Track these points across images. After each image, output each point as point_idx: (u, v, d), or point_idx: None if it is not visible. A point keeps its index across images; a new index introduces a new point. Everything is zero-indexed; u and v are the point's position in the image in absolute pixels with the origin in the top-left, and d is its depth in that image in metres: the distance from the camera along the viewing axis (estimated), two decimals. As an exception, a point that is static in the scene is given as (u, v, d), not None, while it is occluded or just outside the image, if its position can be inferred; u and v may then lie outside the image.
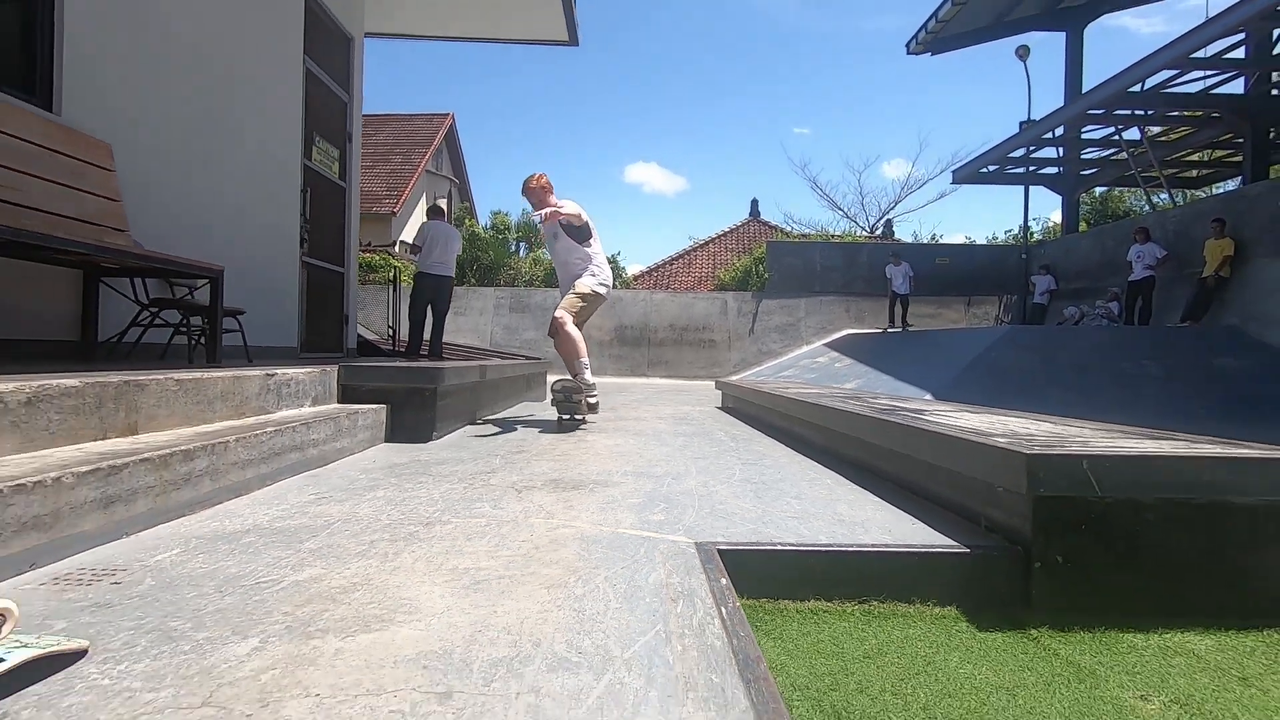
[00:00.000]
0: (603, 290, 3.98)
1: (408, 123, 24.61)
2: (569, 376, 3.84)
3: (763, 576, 1.49)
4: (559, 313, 3.79)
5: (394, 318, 8.84)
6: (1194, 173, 13.92)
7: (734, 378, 10.28)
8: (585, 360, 3.82)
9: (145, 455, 1.58)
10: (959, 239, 26.58)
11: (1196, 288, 9.74)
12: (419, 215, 21.21)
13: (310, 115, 5.28)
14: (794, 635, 1.35)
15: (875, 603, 1.50)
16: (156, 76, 3.62)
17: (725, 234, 24.00)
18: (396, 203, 19.71)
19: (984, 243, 20.93)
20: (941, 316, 14.83)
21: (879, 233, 24.82)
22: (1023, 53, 13.34)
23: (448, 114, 25.45)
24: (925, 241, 20.94)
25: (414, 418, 3.15)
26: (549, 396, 4.09)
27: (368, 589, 1.20)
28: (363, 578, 1.26)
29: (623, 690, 0.87)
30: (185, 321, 3.27)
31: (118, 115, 3.34)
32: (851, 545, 1.56)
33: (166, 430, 2.01)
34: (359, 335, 6.87)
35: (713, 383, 8.34)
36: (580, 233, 3.90)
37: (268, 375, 2.57)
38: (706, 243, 23.76)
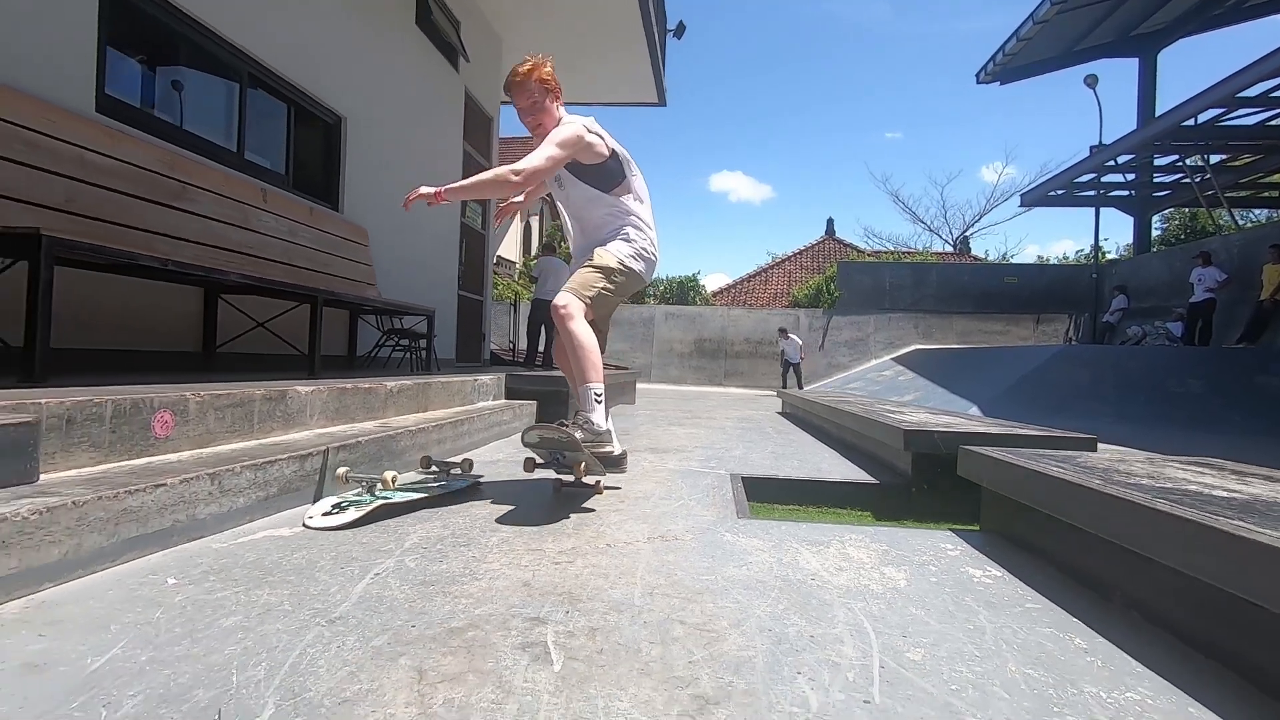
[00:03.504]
0: (638, 265, 2.33)
1: (504, 145, 27.02)
2: (551, 425, 2.11)
3: (762, 491, 2.86)
4: (563, 298, 2.19)
5: (514, 333, 10.62)
6: (1275, 193, 13.91)
7: (800, 392, 11.45)
8: (597, 384, 2.18)
9: (443, 421, 3.12)
10: (1038, 254, 26.30)
11: (1254, 310, 10.14)
12: (514, 233, 23.40)
13: (464, 183, 7.03)
14: (768, 510, 2.71)
15: (822, 508, 2.84)
16: (385, 178, 5.34)
17: (801, 251, 24.98)
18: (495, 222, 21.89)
19: (1056, 261, 20.98)
20: (1010, 334, 15.38)
21: (958, 248, 25.07)
22: (1091, 81, 13.83)
23: (541, 138, 27.56)
24: (995, 260, 21.20)
25: (553, 409, 4.67)
26: (526, 436, 2.17)
27: (575, 487, 2.66)
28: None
29: (687, 507, 2.27)
30: (410, 345, 4.92)
31: (368, 208, 5.06)
32: (811, 478, 2.91)
33: (434, 410, 3.57)
34: (490, 348, 8.60)
35: (778, 393, 9.58)
36: (603, 173, 2.31)
37: (474, 380, 4.14)
38: (783, 260, 24.82)
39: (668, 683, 1.01)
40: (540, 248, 7.41)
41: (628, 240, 2.33)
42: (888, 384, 13.02)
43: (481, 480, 2.51)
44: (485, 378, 4.38)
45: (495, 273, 16.90)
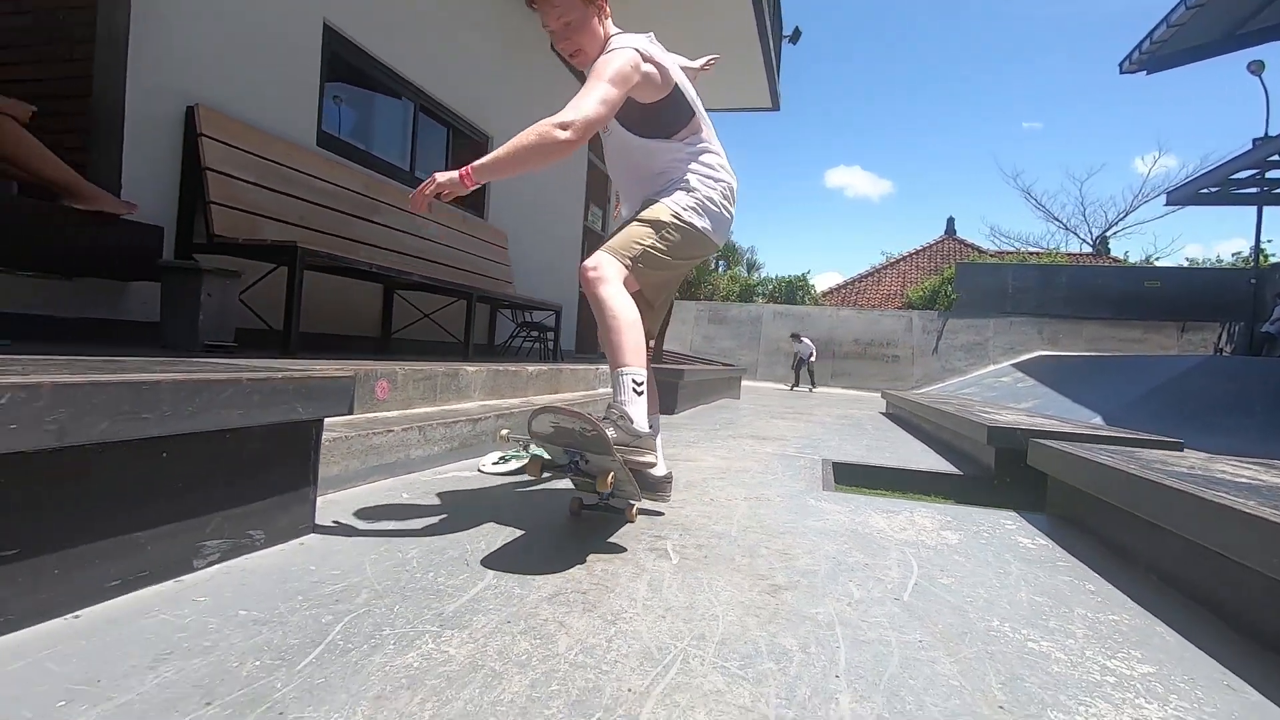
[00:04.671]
0: (701, 221, 1.82)
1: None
2: (572, 410, 1.48)
3: (850, 476, 3.19)
4: (594, 258, 1.70)
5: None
6: None
7: (905, 391, 11.33)
8: (635, 369, 1.64)
9: (571, 401, 3.66)
10: (1197, 256, 23.93)
11: None
12: (628, 232, 24.26)
13: (587, 189, 7.65)
14: (853, 490, 3.04)
15: (905, 493, 3.13)
16: (521, 188, 6.02)
17: (918, 252, 24.15)
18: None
19: (1207, 265, 19.07)
20: (1148, 342, 14.32)
21: (1096, 248, 23.33)
22: (1256, 68, 12.60)
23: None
24: (1136, 263, 19.58)
25: (664, 399, 5.14)
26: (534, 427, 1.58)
27: (687, 461, 3.11)
28: (680, 457, 3.18)
29: (780, 480, 2.66)
30: (540, 336, 5.57)
31: (507, 216, 5.76)
32: (898, 466, 3.21)
33: (563, 393, 4.14)
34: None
35: (882, 394, 9.59)
36: (664, 115, 1.81)
37: (595, 368, 4.69)
38: (897, 260, 24.10)
39: (752, 576, 1.43)
40: None
41: (688, 190, 1.81)
42: (1005, 390, 12.56)
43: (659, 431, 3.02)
44: (604, 367, 4.93)
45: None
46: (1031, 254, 21.24)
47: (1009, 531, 2.03)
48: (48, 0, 2.68)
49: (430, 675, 0.91)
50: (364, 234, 3.79)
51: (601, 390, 4.69)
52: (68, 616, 1.00)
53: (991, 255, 21.79)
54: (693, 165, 1.86)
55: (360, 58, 4.12)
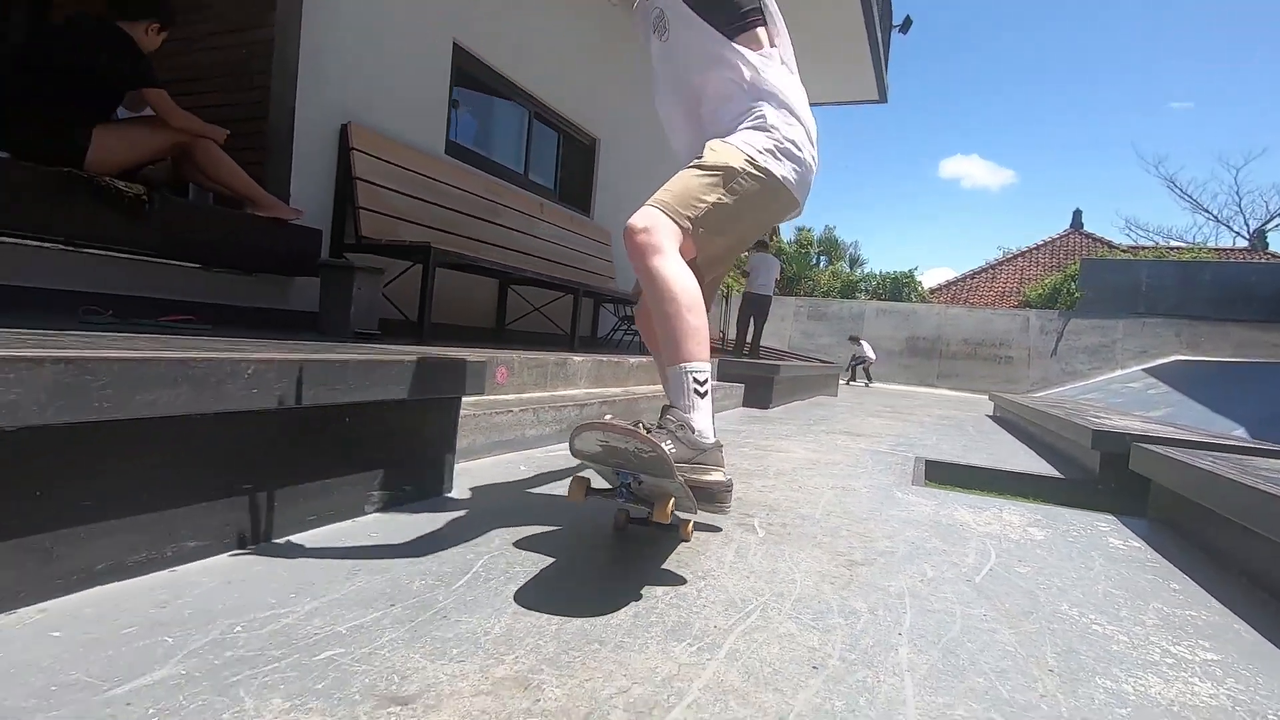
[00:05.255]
0: (781, 167, 1.49)
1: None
2: (624, 426, 1.17)
3: (942, 473, 3.21)
4: (643, 216, 1.40)
5: (724, 324, 11.37)
6: None
7: (1018, 395, 10.75)
8: (698, 364, 1.37)
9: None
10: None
11: None
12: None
13: (688, 187, 7.84)
14: (943, 488, 3.06)
15: (1000, 494, 3.11)
16: (625, 186, 6.29)
17: (1038, 247, 22.62)
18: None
19: None
20: (1309, 348, 12.82)
21: (1253, 242, 20.99)
22: None
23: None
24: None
25: (760, 394, 5.26)
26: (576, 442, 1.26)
27: (778, 453, 3.24)
28: (771, 448, 3.31)
29: (869, 473, 2.74)
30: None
31: (610, 213, 6.05)
32: (994, 467, 3.19)
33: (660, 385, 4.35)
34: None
35: (990, 396, 9.18)
36: (718, 4, 1.48)
37: (693, 362, 4.88)
38: (1015, 256, 22.70)
39: (832, 552, 1.57)
40: (753, 243, 8.09)
41: (764, 127, 1.45)
42: (1133, 396, 11.66)
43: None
44: (701, 361, 5.10)
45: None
46: (1171, 249, 19.41)
47: (1101, 533, 2.04)
48: (234, 39, 3.16)
49: (554, 602, 1.13)
50: (484, 234, 4.15)
51: (697, 383, 4.86)
52: (281, 540, 1.30)
53: (1123, 250, 20.08)
54: (766, 93, 1.47)
55: (483, 71, 4.48)
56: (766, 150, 1.48)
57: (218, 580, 1.09)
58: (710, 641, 1.03)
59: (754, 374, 5.32)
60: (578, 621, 1.07)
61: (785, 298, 17.43)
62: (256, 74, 3.09)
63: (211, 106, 3.10)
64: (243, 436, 1.22)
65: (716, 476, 1.37)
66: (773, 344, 15.95)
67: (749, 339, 9.17)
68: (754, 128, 1.50)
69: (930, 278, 23.71)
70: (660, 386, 4.29)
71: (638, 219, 1.39)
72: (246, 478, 1.23)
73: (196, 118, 2.54)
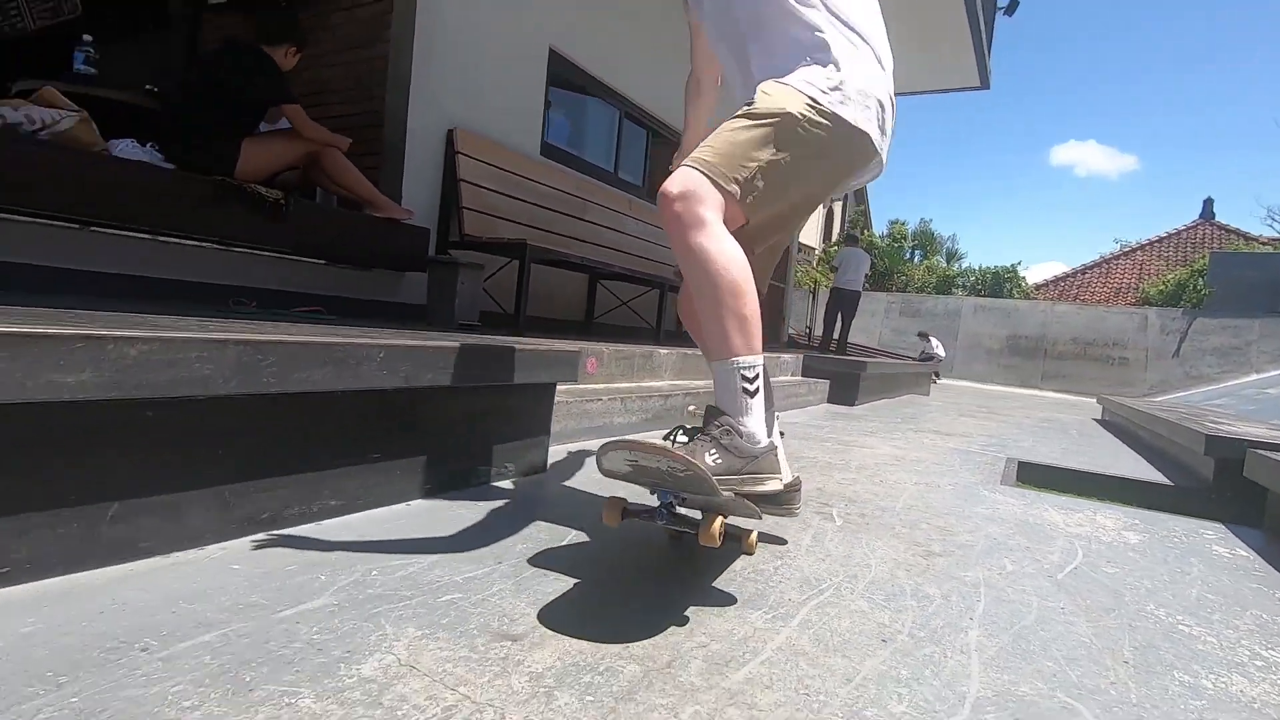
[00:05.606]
0: (850, 109, 1.20)
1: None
2: (655, 445, 1.00)
3: (1036, 476, 3.10)
4: (680, 187, 1.11)
5: (810, 319, 11.22)
6: None
7: (1133, 398, 10.00)
8: (748, 358, 1.15)
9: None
10: None
11: None
12: (816, 220, 23.61)
13: (775, 181, 7.79)
14: (1036, 490, 2.96)
15: (1104, 500, 2.98)
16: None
17: (1161, 239, 20.82)
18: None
19: None
20: None
21: None
22: None
23: (853, 123, 26.78)
24: None
25: (845, 390, 5.20)
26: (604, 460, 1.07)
27: (861, 448, 3.24)
28: (854, 444, 3.31)
29: (954, 471, 2.71)
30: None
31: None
32: (1095, 471, 3.06)
33: (746, 379, 4.40)
34: (788, 331, 9.35)
35: (1098, 399, 8.62)
36: None
37: (775, 357, 4.89)
38: (1133, 249, 21.00)
39: (909, 542, 1.61)
40: (842, 237, 7.83)
41: (827, 61, 1.21)
42: (1272, 403, 10.61)
43: (783, 433, 3.24)
44: (784, 356, 5.10)
45: (795, 261, 17.61)
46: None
47: (1205, 540, 1.95)
48: (354, 56, 3.46)
49: (639, 569, 1.25)
50: (576, 231, 4.33)
51: (781, 379, 4.87)
52: (405, 504, 1.48)
53: (1263, 243, 18.18)
54: (828, 17, 1.22)
55: (576, 74, 4.66)
56: (832, 89, 1.19)
57: (354, 534, 1.27)
58: (784, 612, 1.11)
59: (839, 370, 5.27)
60: (661, 586, 1.18)
61: (876, 293, 16.91)
62: (374, 87, 3.37)
63: (335, 117, 3.41)
64: (374, 412, 1.40)
65: (772, 486, 1.15)
66: (861, 340, 15.54)
67: (835, 335, 9.02)
68: (815, 63, 1.21)
69: (1036, 273, 22.31)
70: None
71: (672, 183, 1.10)
72: (376, 448, 1.41)
73: (325, 129, 2.82)
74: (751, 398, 1.15)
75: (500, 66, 3.91)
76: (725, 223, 1.14)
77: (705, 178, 1.12)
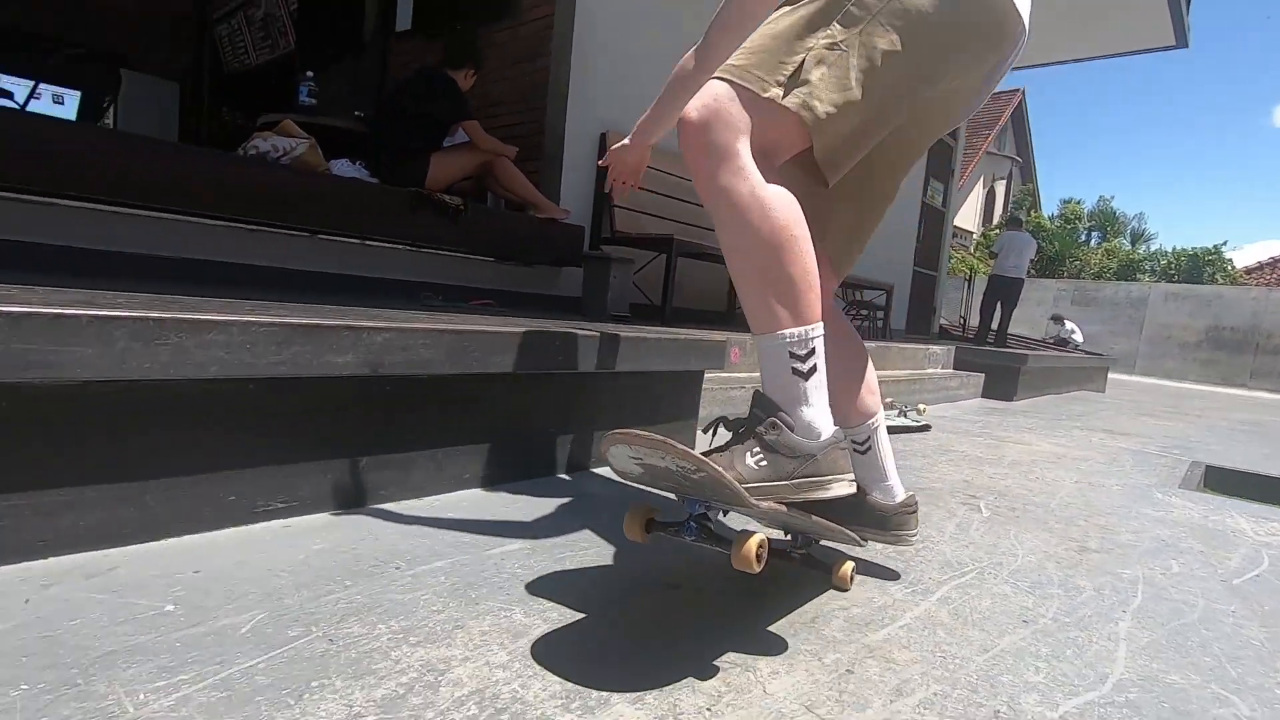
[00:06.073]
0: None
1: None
2: (667, 442, 0.78)
3: (1228, 484, 2.81)
4: (703, 111, 0.84)
5: (965, 309, 10.55)
6: None
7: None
8: (793, 329, 0.89)
9: (899, 379, 3.81)
10: None
11: None
12: (974, 201, 21.89)
13: (928, 165, 7.40)
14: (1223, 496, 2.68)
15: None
16: (855, 167, 6.20)
17: None
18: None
19: None
20: None
21: None
22: None
23: (1018, 90, 24.48)
24: None
25: (1002, 385, 4.91)
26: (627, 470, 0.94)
27: (1017, 444, 3.10)
28: (1009, 440, 3.16)
29: (1124, 472, 2.53)
30: (869, 314, 5.75)
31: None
32: (1304, 479, 2.72)
33: (888, 370, 4.30)
34: (940, 322, 8.88)
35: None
36: None
37: (925, 349, 4.72)
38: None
39: (1061, 537, 1.58)
40: (1004, 220, 7.20)
41: None
42: None
43: (930, 426, 3.17)
44: (935, 348, 4.90)
45: (950, 247, 16.50)
46: None
47: None
48: (518, 71, 3.80)
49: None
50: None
51: (930, 371, 4.70)
52: (574, 474, 1.69)
53: None
54: None
55: (720, 69, 4.75)
56: None
57: (540, 492, 1.49)
58: (923, 588, 1.18)
59: (996, 363, 4.98)
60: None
61: (1043, 280, 15.45)
62: (536, 98, 3.68)
63: (503, 127, 3.76)
64: (537, 397, 1.61)
65: (840, 490, 0.91)
66: (1022, 332, 14.30)
67: (994, 326, 8.43)
68: None
69: (1245, 255, 19.20)
70: (910, 370, 4.28)
71: (692, 106, 0.84)
72: (552, 425, 1.63)
73: (496, 139, 3.15)
74: (806, 380, 0.89)
75: (649, 71, 4.09)
76: (775, 149, 0.87)
77: (733, 87, 0.83)
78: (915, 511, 1.20)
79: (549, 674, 0.79)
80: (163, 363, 0.98)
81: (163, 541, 1.05)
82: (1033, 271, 16.37)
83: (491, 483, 1.51)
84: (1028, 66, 9.52)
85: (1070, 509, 1.86)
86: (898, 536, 1.19)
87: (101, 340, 0.92)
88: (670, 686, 0.79)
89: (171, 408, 1.04)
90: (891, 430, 2.86)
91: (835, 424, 0.96)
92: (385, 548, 1.11)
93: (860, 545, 1.13)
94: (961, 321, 10.59)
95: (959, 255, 15.81)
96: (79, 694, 0.67)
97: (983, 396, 4.94)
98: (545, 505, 1.43)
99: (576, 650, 0.84)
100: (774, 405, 0.91)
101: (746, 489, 0.83)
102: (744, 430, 0.93)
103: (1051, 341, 11.19)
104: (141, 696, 0.68)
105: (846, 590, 1.11)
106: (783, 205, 0.87)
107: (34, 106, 4.93)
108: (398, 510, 1.30)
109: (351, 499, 1.27)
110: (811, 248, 0.90)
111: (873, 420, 1.19)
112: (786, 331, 0.89)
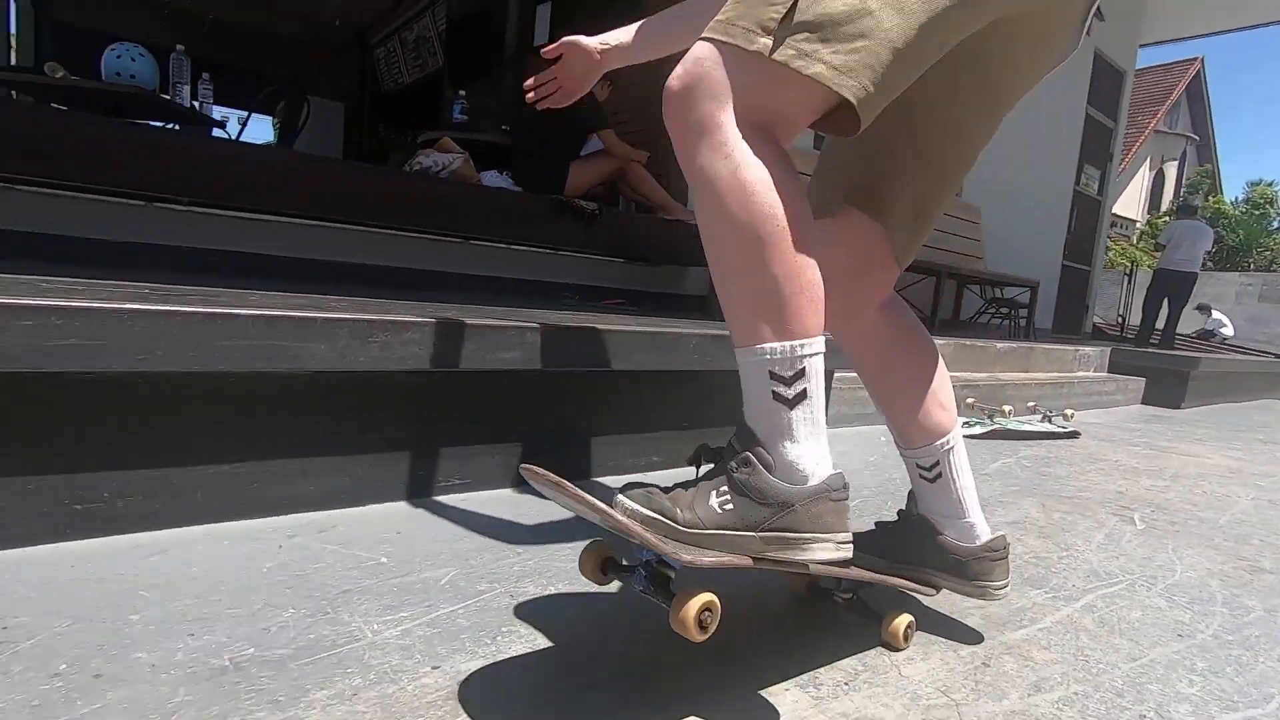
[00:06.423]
0: None
1: (1138, 75, 22.65)
2: (549, 475, 0.70)
3: None
4: (684, 80, 0.68)
5: (1125, 307, 9.61)
6: None
7: None
8: (782, 345, 0.69)
9: (1043, 381, 3.59)
10: None
11: None
12: (1138, 185, 19.67)
13: (1082, 149, 6.82)
14: None
15: None
16: (997, 158, 5.83)
17: None
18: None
19: None
20: None
21: None
22: None
23: (1194, 59, 21.73)
24: None
25: (1167, 390, 4.47)
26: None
27: (1182, 455, 2.84)
28: (1172, 450, 2.90)
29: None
30: (1010, 312, 5.42)
31: (980, 189, 5.70)
32: None
33: (1034, 372, 4.05)
34: (1094, 321, 8.15)
35: None
36: None
37: (1076, 350, 4.40)
38: None
39: (1230, 555, 1.48)
40: (1175, 207, 6.41)
41: None
42: None
43: (1078, 433, 2.97)
44: (1088, 349, 4.55)
45: (1108, 237, 15.00)
46: None
47: None
48: (643, 74, 3.93)
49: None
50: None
51: (1080, 375, 4.38)
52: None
53: None
54: None
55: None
56: None
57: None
58: (1067, 595, 1.17)
59: (1160, 366, 4.54)
60: (939, 557, 1.30)
61: (1222, 274, 13.69)
62: (660, 102, 3.80)
63: (632, 132, 3.92)
64: (693, 392, 1.72)
65: (819, 553, 0.71)
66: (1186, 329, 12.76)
67: (1159, 325, 7.62)
68: None
69: None
70: (1022, 375, 4.05)
71: (675, 73, 0.70)
72: (685, 419, 1.73)
73: (629, 145, 3.30)
74: (791, 408, 0.71)
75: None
76: (775, 119, 0.70)
77: (716, 47, 0.68)
78: (1005, 558, 0.97)
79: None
80: (373, 357, 1.17)
81: (367, 507, 1.25)
82: (1209, 264, 14.53)
83: (639, 470, 1.64)
84: (1207, 34, 8.50)
85: (1244, 526, 1.71)
86: (980, 589, 0.96)
87: (329, 338, 1.13)
88: (810, 662, 0.86)
89: (382, 393, 1.24)
90: (1033, 435, 2.73)
91: (899, 444, 0.99)
92: (553, 522, 1.26)
93: (929, 594, 0.98)
94: (1120, 320, 9.64)
95: (1119, 247, 14.35)
96: (329, 620, 0.85)
97: (1143, 403, 4.53)
98: (682, 493, 1.53)
99: (727, 627, 0.93)
100: (752, 438, 0.72)
101: (706, 535, 0.69)
102: (718, 465, 0.74)
103: (1195, 336, 9.88)
104: (375, 626, 0.84)
105: (901, 649, 0.91)
106: (769, 188, 0.68)
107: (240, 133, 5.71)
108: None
109: (502, 476, 1.44)
110: (812, 242, 0.71)
111: (944, 440, 0.97)
112: (767, 346, 0.70)
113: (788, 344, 0.70)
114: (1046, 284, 6.62)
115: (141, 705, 0.66)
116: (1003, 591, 0.97)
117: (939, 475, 0.98)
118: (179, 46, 3.15)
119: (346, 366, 1.15)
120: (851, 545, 0.73)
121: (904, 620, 0.91)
